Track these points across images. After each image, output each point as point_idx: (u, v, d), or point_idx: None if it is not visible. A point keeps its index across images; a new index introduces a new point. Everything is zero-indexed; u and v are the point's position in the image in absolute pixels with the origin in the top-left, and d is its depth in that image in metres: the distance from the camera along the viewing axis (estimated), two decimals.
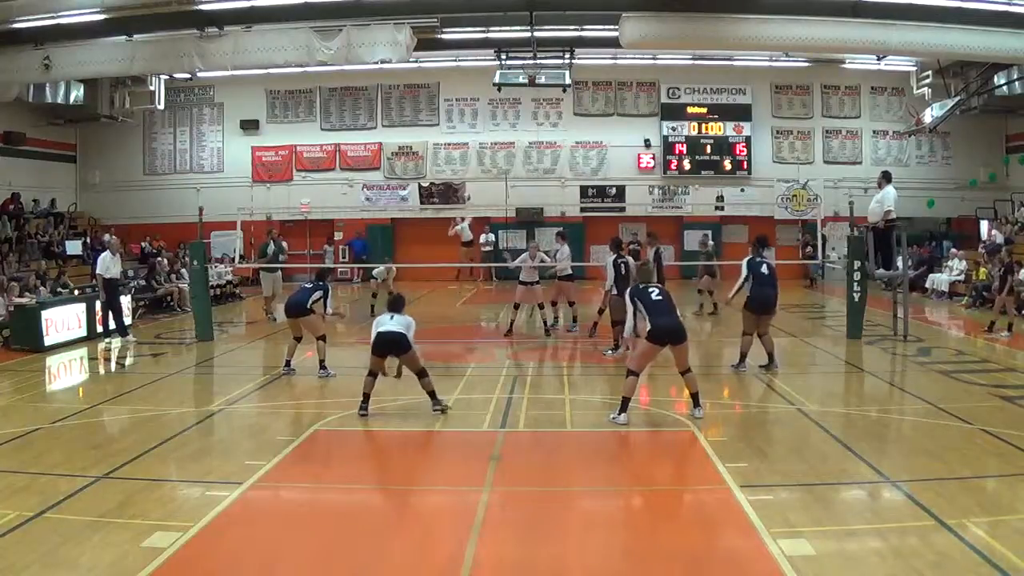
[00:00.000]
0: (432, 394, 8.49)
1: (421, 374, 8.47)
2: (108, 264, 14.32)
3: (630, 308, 8.40)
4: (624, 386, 8.17)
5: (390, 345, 8.37)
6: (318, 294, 11.01)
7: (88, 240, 22.19)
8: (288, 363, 11.10)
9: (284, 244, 18.04)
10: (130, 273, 18.44)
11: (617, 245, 12.43)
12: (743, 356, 10.82)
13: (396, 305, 8.73)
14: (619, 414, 8.04)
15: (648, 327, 8.11)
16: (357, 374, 11.54)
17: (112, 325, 14.30)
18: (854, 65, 24.63)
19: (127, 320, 14.93)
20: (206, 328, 14.02)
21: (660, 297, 8.28)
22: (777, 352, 11.02)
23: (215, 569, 5.00)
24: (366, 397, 8.49)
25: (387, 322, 8.47)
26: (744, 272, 10.79)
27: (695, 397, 8.25)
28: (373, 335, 8.49)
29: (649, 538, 5.46)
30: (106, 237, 14.89)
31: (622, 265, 11.80)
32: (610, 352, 11.89)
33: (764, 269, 10.75)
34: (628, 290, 8.75)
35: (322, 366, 10.81)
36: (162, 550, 5.03)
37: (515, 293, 14.46)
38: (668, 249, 21.05)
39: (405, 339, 8.31)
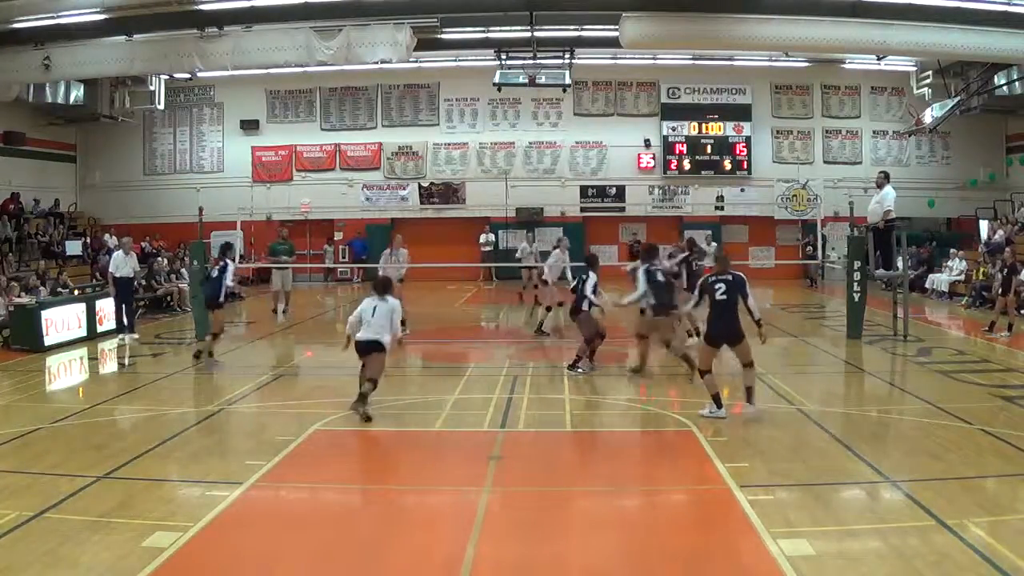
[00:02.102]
0: (363, 396, 8.26)
1: (372, 379, 8.31)
2: (120, 263, 14.54)
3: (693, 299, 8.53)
4: (706, 386, 8.28)
5: (367, 348, 8.35)
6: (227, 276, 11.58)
7: (88, 240, 22.21)
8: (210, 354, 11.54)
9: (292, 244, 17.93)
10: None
11: (652, 253, 10.73)
12: (643, 360, 10.51)
13: (381, 287, 8.66)
14: (716, 408, 8.17)
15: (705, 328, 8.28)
16: (356, 374, 11.57)
17: (125, 321, 14.63)
18: (854, 65, 24.64)
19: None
20: (206, 328, 13.99)
21: (724, 296, 8.19)
22: (776, 353, 10.99)
23: (215, 569, 5.00)
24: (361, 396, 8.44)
25: (369, 316, 8.35)
26: (642, 283, 10.19)
27: (748, 391, 8.28)
28: (357, 321, 8.40)
29: (649, 538, 5.46)
30: (124, 239, 15.40)
31: (658, 272, 10.36)
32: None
33: (660, 277, 10.29)
34: (699, 282, 8.75)
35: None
36: (162, 550, 5.03)
37: (545, 295, 14.16)
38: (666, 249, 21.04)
39: (379, 345, 8.28)
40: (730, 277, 8.32)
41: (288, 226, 18.31)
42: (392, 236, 15.64)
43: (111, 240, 22.57)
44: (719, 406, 8.17)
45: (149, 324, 16.37)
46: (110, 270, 14.61)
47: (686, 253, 12.70)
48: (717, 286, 8.21)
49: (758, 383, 10.25)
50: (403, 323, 13.15)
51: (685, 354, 10.15)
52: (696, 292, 8.64)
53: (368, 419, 8.14)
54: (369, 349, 8.32)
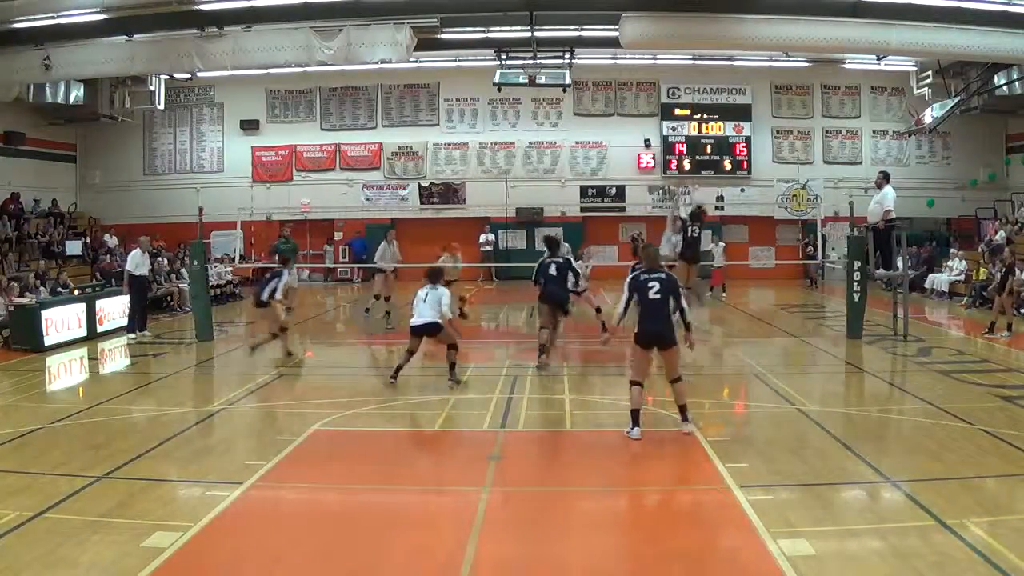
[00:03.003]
0: (452, 366, 9.84)
1: (452, 347, 9.85)
2: (139, 262, 14.63)
3: (624, 297, 7.78)
4: (630, 398, 7.56)
5: (422, 330, 9.78)
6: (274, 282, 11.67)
7: (88, 240, 22.21)
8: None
9: (296, 243, 18.84)
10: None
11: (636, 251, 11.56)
12: (542, 347, 11.04)
13: (432, 277, 9.93)
14: (631, 428, 7.47)
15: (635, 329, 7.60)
16: (356, 374, 11.60)
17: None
18: (854, 65, 24.63)
19: (125, 320, 14.97)
20: (206, 328, 14.02)
21: (658, 296, 7.54)
22: (776, 353, 10.99)
23: (215, 569, 5.00)
24: (398, 368, 9.82)
25: (420, 303, 9.72)
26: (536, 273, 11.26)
27: (683, 409, 7.63)
28: (413, 310, 9.87)
29: (649, 538, 5.46)
30: (142, 238, 15.52)
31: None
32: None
33: (552, 270, 11.16)
34: (627, 279, 7.93)
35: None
36: (162, 550, 5.02)
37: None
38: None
39: (435, 326, 9.71)
40: (664, 276, 7.73)
41: (289, 226, 18.34)
42: (387, 232, 16.11)
43: (111, 240, 22.62)
44: (635, 424, 7.45)
45: (149, 324, 16.33)
46: (128, 268, 14.67)
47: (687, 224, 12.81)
48: (651, 284, 7.56)
49: (757, 381, 10.32)
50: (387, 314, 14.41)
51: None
52: (626, 290, 7.79)
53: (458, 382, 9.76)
54: (425, 331, 9.75)
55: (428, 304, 9.70)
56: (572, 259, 13.81)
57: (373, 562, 5.05)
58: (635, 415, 7.49)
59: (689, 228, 12.72)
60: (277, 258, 13.69)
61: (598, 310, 13.21)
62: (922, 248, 22.36)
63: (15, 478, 6.45)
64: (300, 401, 9.56)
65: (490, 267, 23.51)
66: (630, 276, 7.94)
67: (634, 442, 7.38)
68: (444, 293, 9.83)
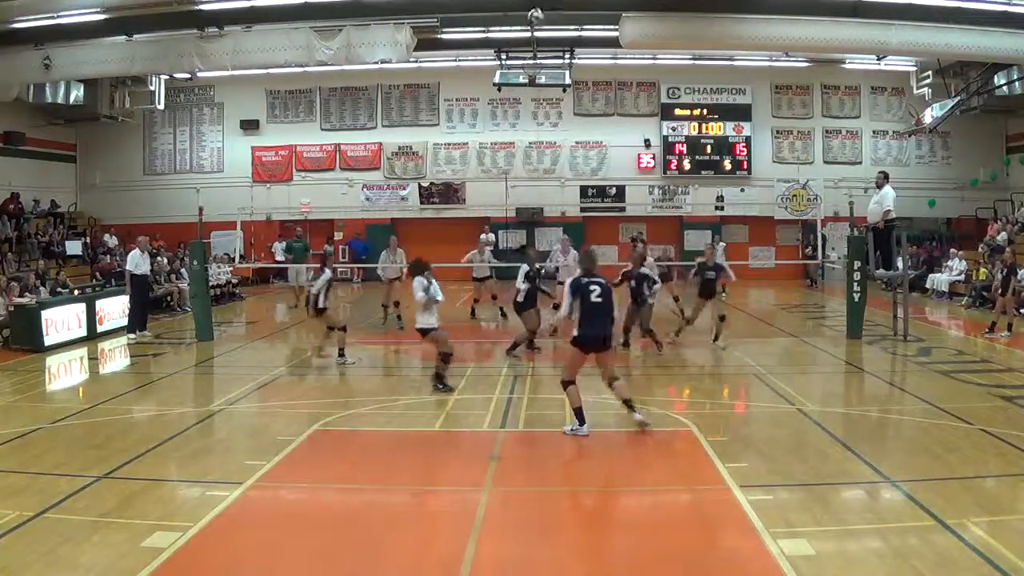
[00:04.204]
0: (439, 376, 9.65)
1: (442, 356, 9.70)
2: (138, 261, 14.66)
3: (567, 301, 7.76)
4: (569, 400, 7.74)
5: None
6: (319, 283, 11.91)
7: (88, 240, 22.21)
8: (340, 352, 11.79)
9: (307, 242, 20.53)
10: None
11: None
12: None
13: (415, 269, 10.02)
14: (579, 426, 7.61)
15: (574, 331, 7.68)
16: (356, 374, 11.58)
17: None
18: (854, 65, 24.63)
19: (124, 320, 14.97)
20: (206, 328, 14.03)
21: (600, 300, 7.63)
22: (776, 353, 11.00)
23: (215, 569, 5.00)
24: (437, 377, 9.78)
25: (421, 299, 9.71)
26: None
27: (627, 403, 7.82)
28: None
29: (649, 538, 5.46)
30: (140, 238, 15.58)
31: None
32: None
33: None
34: (569, 281, 7.94)
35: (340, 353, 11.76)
36: (162, 550, 5.03)
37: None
38: (668, 248, 21.04)
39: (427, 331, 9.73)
40: (603, 280, 7.80)
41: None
42: (390, 238, 16.06)
43: (111, 240, 22.62)
44: (581, 422, 7.60)
45: (149, 324, 16.33)
46: (128, 268, 14.69)
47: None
48: (592, 287, 7.65)
49: (757, 381, 10.32)
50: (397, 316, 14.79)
51: (650, 330, 11.76)
52: (568, 293, 7.77)
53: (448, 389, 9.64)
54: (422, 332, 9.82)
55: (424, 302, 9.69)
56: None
57: (373, 562, 5.05)
58: (579, 412, 7.64)
59: (706, 272, 12.98)
60: (320, 259, 13.98)
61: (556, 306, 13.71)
62: (921, 248, 22.36)
63: (15, 478, 6.46)
64: (300, 401, 9.56)
65: (490, 267, 23.44)
66: (570, 280, 7.96)
67: (632, 442, 7.38)
68: (419, 283, 9.72)
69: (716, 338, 12.79)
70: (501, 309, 15.94)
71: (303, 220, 24.55)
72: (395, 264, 15.10)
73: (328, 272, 11.99)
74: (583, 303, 7.61)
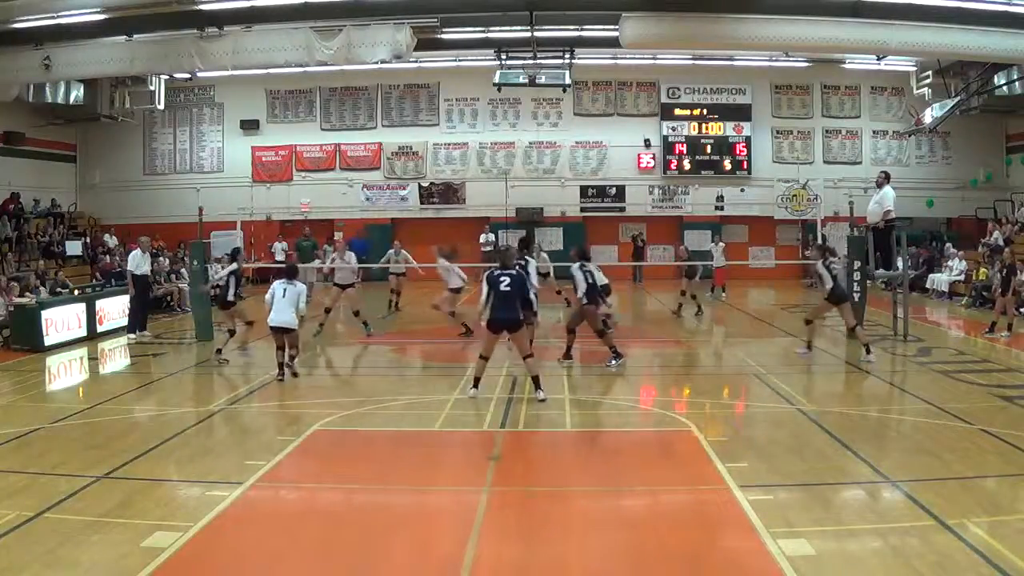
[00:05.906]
0: (281, 365, 10.15)
1: (292, 347, 10.24)
2: (139, 261, 14.66)
3: (483, 291, 9.21)
4: (476, 368, 9.20)
5: (280, 331, 10.11)
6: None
7: (88, 240, 22.20)
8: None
9: (315, 240, 21.09)
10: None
11: (581, 255, 11.50)
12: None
13: (288, 273, 10.33)
14: (472, 388, 9.03)
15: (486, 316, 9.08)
16: (356, 374, 11.60)
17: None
18: (854, 65, 24.63)
19: (124, 320, 14.99)
20: (206, 328, 14.02)
21: (508, 289, 8.96)
22: (776, 353, 10.99)
23: (215, 569, 5.00)
24: (280, 366, 10.18)
25: (279, 300, 10.00)
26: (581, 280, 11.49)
27: (535, 380, 8.97)
28: (268, 306, 10.19)
29: (649, 538, 5.45)
30: (142, 238, 15.56)
31: (588, 274, 11.15)
32: (614, 363, 11.09)
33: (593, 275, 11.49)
34: (485, 276, 9.42)
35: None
36: (162, 550, 5.02)
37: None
38: (668, 249, 21.05)
39: (289, 326, 10.11)
40: (514, 272, 9.32)
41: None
42: (393, 240, 17.31)
43: (111, 240, 22.61)
44: (475, 386, 9.03)
45: (149, 324, 16.33)
46: (129, 268, 14.70)
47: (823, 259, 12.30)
48: (502, 279, 9.05)
49: (757, 381, 10.32)
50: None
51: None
52: (484, 284, 9.30)
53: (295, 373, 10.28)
54: (281, 331, 10.09)
55: (287, 301, 10.04)
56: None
57: (373, 562, 5.05)
58: (476, 381, 9.13)
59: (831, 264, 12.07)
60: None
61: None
62: (921, 248, 22.36)
63: (15, 478, 6.45)
64: (300, 401, 9.56)
65: (490, 267, 23.49)
66: (486, 274, 9.45)
67: (632, 442, 7.39)
68: (302, 290, 10.20)
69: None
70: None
71: (303, 220, 24.59)
72: (398, 264, 16.12)
73: (234, 265, 12.16)
74: (495, 292, 9.03)
